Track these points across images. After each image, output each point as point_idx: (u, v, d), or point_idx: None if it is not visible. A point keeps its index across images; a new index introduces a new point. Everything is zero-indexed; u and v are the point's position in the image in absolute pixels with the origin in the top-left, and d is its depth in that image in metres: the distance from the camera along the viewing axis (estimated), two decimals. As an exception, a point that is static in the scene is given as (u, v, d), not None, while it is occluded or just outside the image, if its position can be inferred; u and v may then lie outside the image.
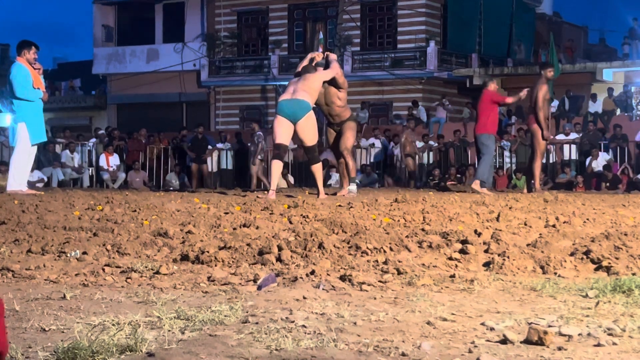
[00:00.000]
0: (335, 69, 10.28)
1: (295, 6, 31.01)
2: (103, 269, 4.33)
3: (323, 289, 3.80)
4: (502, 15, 30.00)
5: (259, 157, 19.88)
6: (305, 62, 10.43)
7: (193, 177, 20.60)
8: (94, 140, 21.97)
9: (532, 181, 12.58)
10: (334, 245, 4.81)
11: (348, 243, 4.96)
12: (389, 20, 29.89)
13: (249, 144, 20.31)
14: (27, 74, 9.90)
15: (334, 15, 29.99)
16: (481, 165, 12.58)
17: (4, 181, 17.02)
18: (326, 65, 10.42)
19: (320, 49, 27.99)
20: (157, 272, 4.23)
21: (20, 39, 10.51)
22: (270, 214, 6.98)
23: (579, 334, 2.88)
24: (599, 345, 2.77)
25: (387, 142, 21.80)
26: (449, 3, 29.38)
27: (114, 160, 20.46)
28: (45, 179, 18.24)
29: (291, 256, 4.59)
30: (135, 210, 7.25)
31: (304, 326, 3.01)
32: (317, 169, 10.02)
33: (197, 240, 5.28)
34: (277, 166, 9.84)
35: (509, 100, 13.09)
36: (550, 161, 19.82)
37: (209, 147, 21.36)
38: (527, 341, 2.79)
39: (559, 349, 2.73)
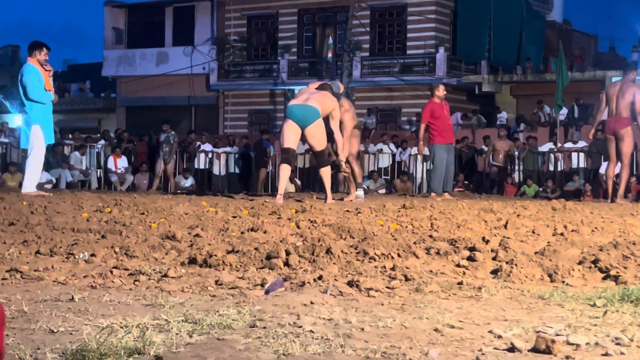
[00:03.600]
0: (343, 132, 10.45)
1: (305, 11, 31.05)
2: (111, 271, 4.34)
3: (331, 295, 3.80)
4: (512, 22, 29.98)
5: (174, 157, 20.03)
6: (328, 82, 10.57)
7: (257, 181, 20.50)
8: (102, 142, 22.02)
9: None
10: (342, 251, 4.81)
11: (356, 249, 4.96)
12: (398, 26, 29.91)
13: (163, 144, 20.17)
14: (39, 76, 9.91)
15: (344, 20, 30.01)
16: (432, 177, 13.02)
17: (12, 182, 17.10)
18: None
19: (330, 54, 28.12)
20: (165, 275, 4.23)
21: (30, 40, 10.51)
22: (278, 218, 6.99)
23: (587, 343, 2.88)
24: (606, 354, 2.76)
25: (395, 148, 21.81)
26: (459, 9, 29.39)
27: (122, 162, 20.50)
28: (54, 181, 18.29)
29: (299, 261, 4.59)
30: (143, 213, 7.27)
31: (311, 331, 3.01)
32: (326, 173, 10.02)
33: (205, 244, 5.29)
34: (285, 170, 9.83)
35: (421, 127, 13.01)
36: (559, 169, 19.79)
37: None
38: (535, 349, 2.79)
39: (567, 357, 2.73)
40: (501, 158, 19.54)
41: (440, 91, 12.92)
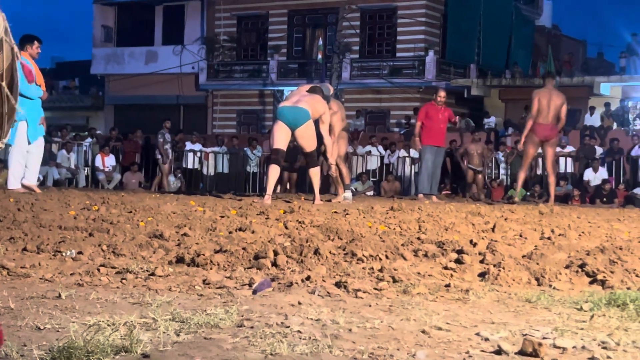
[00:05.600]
0: (331, 135, 10.47)
1: (295, 12, 31.05)
2: (98, 269, 4.33)
3: (318, 295, 3.80)
4: (501, 26, 30.06)
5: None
6: (318, 85, 10.63)
7: (283, 183, 20.31)
8: (89, 140, 21.96)
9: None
10: (330, 252, 4.81)
11: (344, 250, 4.96)
12: (388, 29, 29.96)
13: (159, 142, 20.07)
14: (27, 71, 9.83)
15: (334, 22, 30.03)
16: (419, 178, 13.33)
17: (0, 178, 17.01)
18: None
19: (320, 55, 28.13)
20: (153, 274, 4.23)
21: (18, 36, 10.40)
22: (266, 218, 6.99)
23: (574, 347, 2.89)
24: (593, 358, 2.77)
25: (384, 150, 21.82)
26: (449, 13, 29.46)
27: (110, 160, 20.45)
28: (41, 178, 18.20)
29: (287, 261, 4.59)
30: (131, 212, 7.26)
31: (299, 332, 3.01)
32: (315, 174, 10.06)
33: (193, 243, 5.28)
34: (274, 171, 9.84)
35: (417, 124, 13.25)
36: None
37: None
38: (522, 352, 2.79)
39: (553, 361, 2.74)
40: (476, 161, 19.53)
41: (440, 95, 13.12)
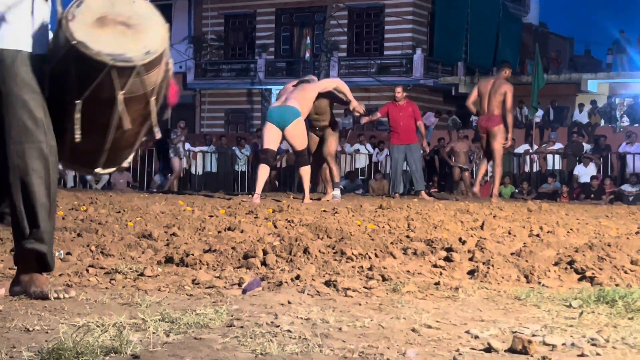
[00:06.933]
0: (333, 82, 10.52)
1: (282, 11, 31.03)
2: (87, 270, 4.31)
3: (308, 294, 3.80)
4: (489, 24, 30.10)
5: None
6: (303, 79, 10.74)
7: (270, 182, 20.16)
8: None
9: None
10: (319, 251, 4.81)
11: (333, 248, 4.96)
12: (376, 27, 29.97)
13: (173, 139, 20.03)
14: None
15: (322, 20, 30.02)
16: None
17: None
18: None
19: (307, 54, 28.13)
20: (142, 274, 4.22)
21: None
22: (255, 217, 6.99)
23: (563, 344, 2.89)
24: (582, 355, 2.78)
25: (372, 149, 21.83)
26: (437, 11, 29.48)
27: (98, 160, 20.38)
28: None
29: (276, 260, 4.59)
30: (119, 212, 7.24)
31: (289, 331, 3.01)
32: (305, 172, 10.08)
33: (182, 243, 5.28)
34: (263, 170, 9.86)
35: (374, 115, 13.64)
36: (534, 170, 19.90)
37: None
38: (512, 350, 2.80)
39: (543, 358, 2.75)
40: (462, 159, 19.54)
41: (396, 91, 13.19)
